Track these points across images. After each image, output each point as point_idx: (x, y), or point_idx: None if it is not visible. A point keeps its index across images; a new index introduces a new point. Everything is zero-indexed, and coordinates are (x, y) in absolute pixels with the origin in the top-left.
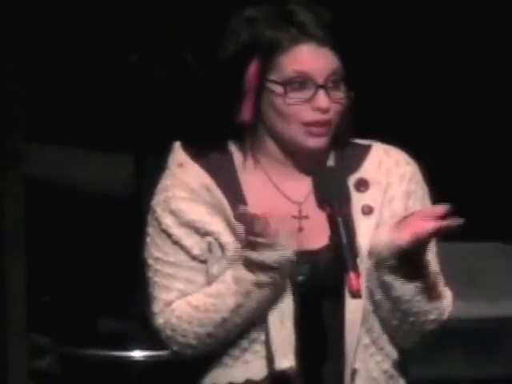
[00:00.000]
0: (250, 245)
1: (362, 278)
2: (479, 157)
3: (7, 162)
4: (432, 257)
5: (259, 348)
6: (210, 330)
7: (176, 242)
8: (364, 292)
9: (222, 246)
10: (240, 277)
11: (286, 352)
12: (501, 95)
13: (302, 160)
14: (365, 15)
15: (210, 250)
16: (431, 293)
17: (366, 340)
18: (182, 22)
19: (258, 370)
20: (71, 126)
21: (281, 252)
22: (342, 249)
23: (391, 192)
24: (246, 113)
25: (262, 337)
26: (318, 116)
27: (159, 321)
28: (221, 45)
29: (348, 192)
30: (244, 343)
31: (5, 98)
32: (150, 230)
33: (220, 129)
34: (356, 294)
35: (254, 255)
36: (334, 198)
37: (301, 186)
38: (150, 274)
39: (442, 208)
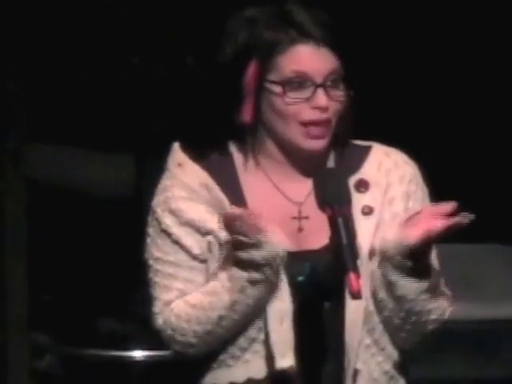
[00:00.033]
0: (236, 244)
1: (362, 278)
2: (478, 158)
3: (8, 162)
4: (433, 257)
5: (259, 348)
6: (209, 328)
7: (176, 242)
8: (365, 292)
9: (222, 245)
10: (233, 274)
11: (286, 351)
12: (500, 97)
13: (302, 161)
14: (364, 15)
15: (209, 249)
16: (434, 292)
17: (367, 340)
18: (183, 22)
19: (259, 369)
20: (72, 126)
21: (269, 249)
22: (342, 250)
23: (391, 193)
24: (245, 114)
25: (262, 336)
26: (316, 115)
27: (159, 321)
28: (220, 46)
29: (348, 193)
30: (244, 343)
31: (5, 98)
32: (151, 230)
33: (220, 129)
34: (356, 295)
35: (242, 254)
36: (334, 199)
37: (301, 187)
38: (151, 274)
39: (449, 206)
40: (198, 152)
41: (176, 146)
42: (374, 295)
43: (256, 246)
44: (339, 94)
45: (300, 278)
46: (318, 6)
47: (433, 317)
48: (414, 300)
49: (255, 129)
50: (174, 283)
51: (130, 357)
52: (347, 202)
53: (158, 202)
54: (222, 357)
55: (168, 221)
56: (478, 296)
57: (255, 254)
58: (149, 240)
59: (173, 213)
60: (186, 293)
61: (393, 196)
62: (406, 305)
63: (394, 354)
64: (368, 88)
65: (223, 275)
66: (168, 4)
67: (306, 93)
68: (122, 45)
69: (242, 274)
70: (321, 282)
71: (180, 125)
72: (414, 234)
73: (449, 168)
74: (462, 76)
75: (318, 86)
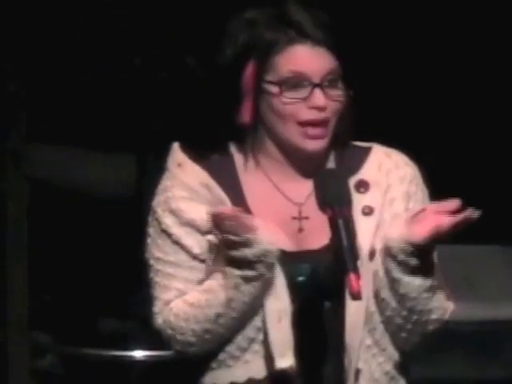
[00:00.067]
0: (228, 243)
1: (362, 279)
2: (479, 159)
3: (8, 162)
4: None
5: (258, 348)
6: (207, 326)
7: (176, 242)
8: (365, 293)
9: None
10: (227, 272)
11: (285, 351)
12: (500, 98)
13: (302, 161)
14: (365, 15)
15: (210, 248)
16: (436, 291)
17: (368, 341)
18: (183, 23)
19: (259, 369)
20: (72, 126)
21: (260, 246)
22: (342, 251)
23: (391, 193)
24: (244, 114)
25: (260, 336)
26: (314, 115)
27: (159, 320)
28: (220, 47)
29: (349, 194)
30: (243, 343)
31: (5, 98)
32: (151, 230)
33: (220, 130)
34: (356, 296)
35: (233, 252)
36: (334, 200)
37: (301, 187)
38: (152, 274)
39: (454, 203)
40: (198, 152)
41: (176, 146)
42: (377, 295)
43: (246, 244)
44: (337, 93)
45: (300, 279)
46: (318, 6)
47: (434, 316)
48: (416, 298)
49: (255, 129)
50: (174, 283)
51: (131, 357)
52: (348, 203)
53: (158, 202)
54: (221, 357)
55: (168, 221)
56: (479, 297)
57: (247, 252)
58: (149, 240)
59: (173, 213)
60: (186, 292)
61: (393, 196)
62: (408, 303)
63: (395, 354)
64: (368, 89)
65: (218, 273)
66: (169, 4)
67: (303, 93)
68: (123, 45)
69: (236, 272)
70: (321, 283)
71: (180, 125)
72: (422, 231)
73: (449, 169)
74: (462, 76)
75: (315, 85)
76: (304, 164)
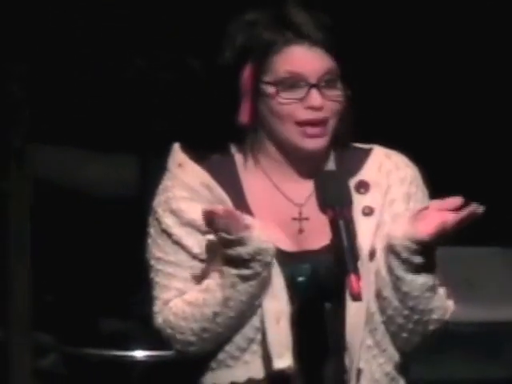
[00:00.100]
0: (223, 242)
1: (362, 280)
2: (478, 161)
3: (10, 162)
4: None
5: (257, 348)
6: (205, 325)
7: (176, 242)
8: (366, 294)
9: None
10: (224, 271)
11: (283, 352)
12: (500, 99)
13: (301, 162)
14: (365, 16)
15: (209, 247)
16: (437, 291)
17: (368, 341)
18: (185, 24)
19: (259, 369)
20: (75, 126)
21: (254, 244)
22: (342, 252)
23: (392, 194)
24: (244, 115)
25: (259, 337)
26: (311, 115)
27: (159, 320)
28: (220, 48)
29: (349, 195)
30: (242, 343)
31: (7, 99)
32: (152, 230)
33: (221, 131)
34: (357, 297)
35: (229, 251)
36: (335, 202)
37: (301, 188)
38: (152, 274)
39: (457, 200)
40: (198, 152)
41: (176, 146)
42: (378, 294)
43: (240, 242)
44: (335, 93)
45: (300, 279)
46: (318, 7)
47: (434, 316)
48: (418, 297)
49: (255, 130)
50: (174, 283)
51: (132, 356)
52: (348, 204)
53: (158, 202)
54: (221, 357)
55: (169, 221)
56: (479, 298)
57: (241, 251)
58: (150, 240)
59: (174, 213)
60: (186, 292)
61: (393, 197)
62: (410, 302)
63: (396, 355)
64: (368, 89)
65: (216, 272)
66: (170, 6)
67: (300, 93)
68: (124, 46)
69: (232, 271)
70: (321, 283)
71: (181, 125)
72: (427, 229)
73: (449, 171)
74: (462, 77)
75: (311, 86)
76: (304, 164)
